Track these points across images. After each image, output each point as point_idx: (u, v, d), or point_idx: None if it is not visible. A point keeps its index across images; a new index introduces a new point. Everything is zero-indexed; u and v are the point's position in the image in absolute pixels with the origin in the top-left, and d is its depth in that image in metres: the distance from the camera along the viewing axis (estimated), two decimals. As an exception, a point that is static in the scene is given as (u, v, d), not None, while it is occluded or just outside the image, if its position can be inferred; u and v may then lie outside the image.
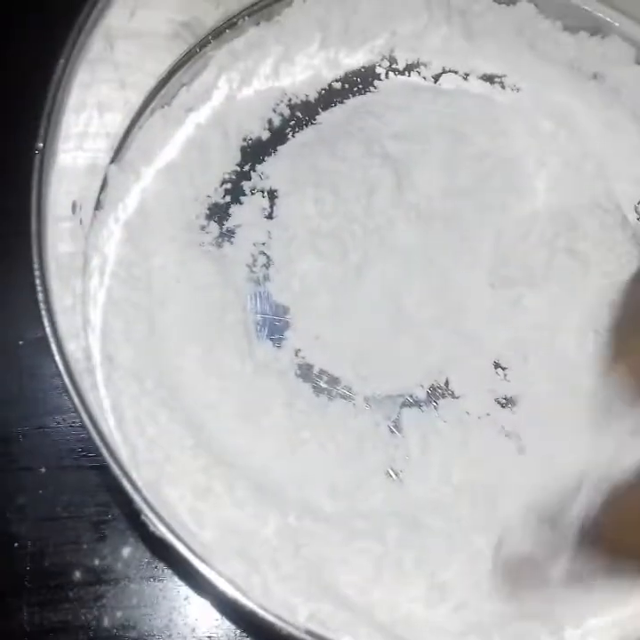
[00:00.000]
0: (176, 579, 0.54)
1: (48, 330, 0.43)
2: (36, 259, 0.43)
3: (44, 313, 0.43)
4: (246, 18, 0.59)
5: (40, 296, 0.43)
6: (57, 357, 0.43)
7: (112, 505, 0.55)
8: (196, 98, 0.58)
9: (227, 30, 0.59)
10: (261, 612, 0.41)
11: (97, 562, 0.55)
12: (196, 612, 0.54)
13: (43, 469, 0.56)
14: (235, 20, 0.59)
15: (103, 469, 0.52)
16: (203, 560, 0.41)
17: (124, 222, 0.55)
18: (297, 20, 0.60)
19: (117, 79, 0.52)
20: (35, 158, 0.42)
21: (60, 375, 0.43)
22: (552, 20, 0.61)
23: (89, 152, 0.52)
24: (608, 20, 0.61)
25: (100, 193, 0.55)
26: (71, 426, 0.57)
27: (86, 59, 0.46)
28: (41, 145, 0.42)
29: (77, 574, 0.55)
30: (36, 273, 0.43)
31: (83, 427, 0.44)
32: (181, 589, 0.54)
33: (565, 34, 0.61)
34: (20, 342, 0.58)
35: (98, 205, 0.54)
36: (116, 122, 0.54)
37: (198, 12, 0.56)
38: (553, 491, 0.47)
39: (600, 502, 0.43)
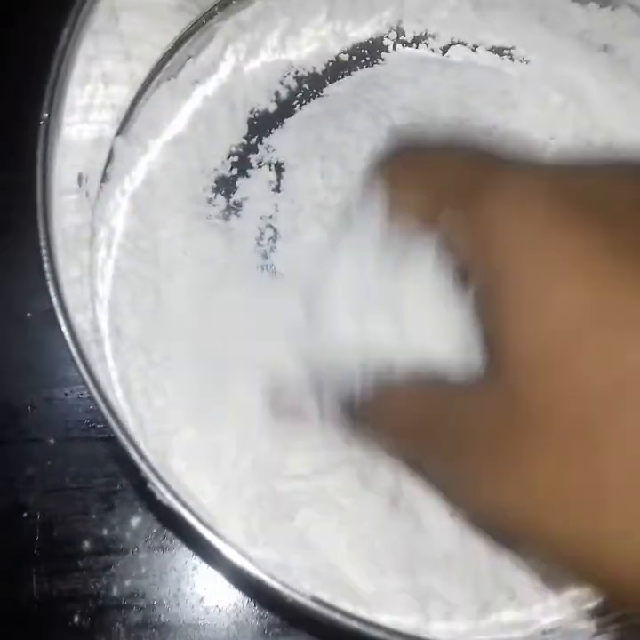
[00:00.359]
0: (184, 548, 0.55)
1: (55, 301, 0.43)
2: (41, 230, 0.43)
3: (50, 284, 0.43)
4: (254, -5, 0.59)
5: (46, 266, 0.43)
6: (64, 328, 0.43)
7: (120, 476, 0.56)
8: (202, 70, 0.58)
9: (233, 1, 0.58)
10: (268, 580, 0.41)
11: (105, 532, 0.56)
12: (205, 582, 0.55)
13: (51, 441, 0.57)
14: (246, -7, 0.59)
15: (111, 440, 0.53)
16: (210, 528, 0.42)
17: (131, 194, 0.55)
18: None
19: (122, 51, 0.51)
20: (39, 129, 0.42)
21: (67, 346, 0.43)
22: (562, -8, 0.60)
23: (94, 124, 0.52)
24: (618, -9, 0.60)
25: (107, 165, 0.54)
26: (79, 397, 0.58)
27: (91, 30, 0.45)
28: (46, 115, 0.42)
29: (86, 544, 0.55)
30: (42, 243, 0.42)
31: (91, 398, 0.44)
32: (190, 559, 0.55)
33: (575, 5, 0.60)
34: (28, 314, 0.59)
35: (104, 178, 0.54)
36: (122, 94, 0.54)
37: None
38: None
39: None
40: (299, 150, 0.57)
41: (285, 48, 0.59)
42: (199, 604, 0.55)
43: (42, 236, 0.43)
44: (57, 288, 0.43)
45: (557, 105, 0.58)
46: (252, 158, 0.57)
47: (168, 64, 0.57)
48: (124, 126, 0.55)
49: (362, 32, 0.60)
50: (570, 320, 0.29)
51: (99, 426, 0.57)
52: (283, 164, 0.57)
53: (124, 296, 0.53)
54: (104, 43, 0.48)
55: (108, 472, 0.56)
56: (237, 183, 0.57)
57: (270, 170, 0.57)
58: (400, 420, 0.37)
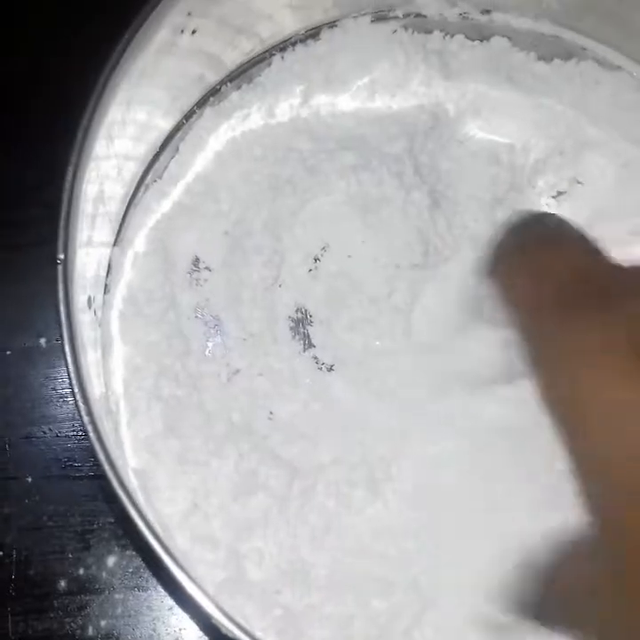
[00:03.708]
0: (160, 589, 0.55)
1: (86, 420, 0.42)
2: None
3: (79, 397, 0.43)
4: (228, 84, 0.59)
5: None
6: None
7: (98, 514, 0.56)
8: (185, 165, 0.58)
9: (210, 98, 0.59)
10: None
11: (82, 571, 0.56)
12: (181, 623, 0.55)
13: (29, 479, 0.57)
14: (217, 87, 0.59)
15: (89, 479, 0.56)
16: (185, 573, 0.41)
17: (126, 298, 0.55)
18: (277, 80, 0.60)
19: (116, 167, 0.52)
20: (57, 269, 0.42)
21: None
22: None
23: (97, 244, 0.52)
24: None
25: (107, 277, 0.55)
26: (58, 436, 0.58)
27: (91, 157, 0.46)
28: (62, 256, 0.42)
29: (62, 583, 0.56)
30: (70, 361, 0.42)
31: (68, 437, 0.52)
32: (166, 599, 0.55)
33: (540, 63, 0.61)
34: (8, 352, 0.59)
35: (106, 289, 0.55)
36: (116, 205, 0.54)
37: (184, 88, 0.57)
38: None
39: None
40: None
41: (264, 136, 0.60)
42: (175, 646, 0.55)
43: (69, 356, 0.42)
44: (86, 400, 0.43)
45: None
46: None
47: (155, 166, 0.57)
48: (118, 236, 0.55)
49: (337, 109, 0.61)
50: None
51: (76, 464, 0.57)
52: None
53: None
54: (102, 165, 0.49)
55: (85, 511, 0.56)
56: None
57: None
58: None
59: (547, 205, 0.59)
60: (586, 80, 0.61)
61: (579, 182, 0.60)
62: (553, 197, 0.60)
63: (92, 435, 0.42)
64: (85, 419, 0.41)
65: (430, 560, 0.52)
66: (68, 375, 0.42)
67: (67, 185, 0.43)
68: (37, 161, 0.59)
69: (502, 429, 0.53)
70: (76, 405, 0.42)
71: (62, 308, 0.42)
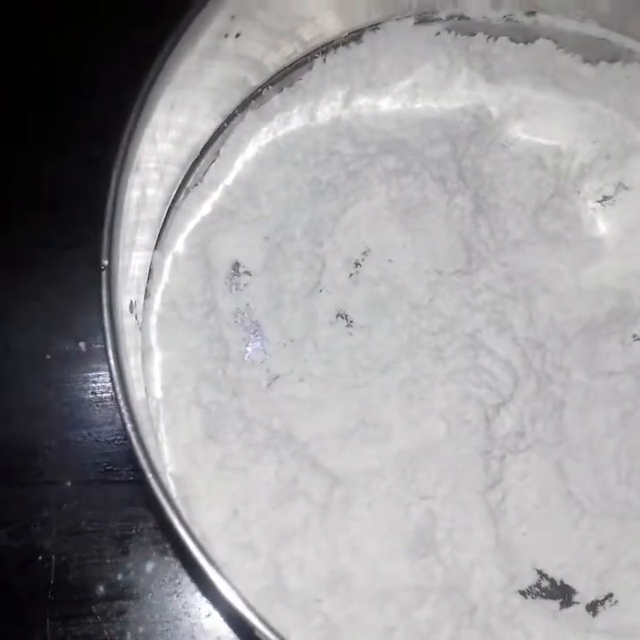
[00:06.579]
0: (198, 595, 0.55)
1: (128, 425, 0.42)
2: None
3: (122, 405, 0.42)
4: (269, 87, 0.59)
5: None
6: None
7: (136, 520, 0.56)
8: (226, 169, 0.58)
9: (251, 101, 0.58)
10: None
11: (120, 576, 0.56)
12: (218, 629, 0.55)
13: (68, 483, 0.57)
14: (259, 90, 0.59)
15: (128, 484, 0.56)
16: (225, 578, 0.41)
17: (169, 303, 0.55)
18: (318, 83, 0.59)
19: (159, 170, 0.51)
20: (102, 275, 0.42)
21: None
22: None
23: (139, 247, 0.52)
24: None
25: (148, 281, 0.54)
26: (97, 440, 0.58)
27: (135, 161, 0.46)
28: (106, 262, 0.42)
29: (100, 589, 0.55)
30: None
31: (108, 441, 0.52)
32: (204, 606, 0.55)
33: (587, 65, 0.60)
34: (48, 356, 0.59)
35: (146, 294, 0.54)
36: (158, 209, 0.54)
37: (226, 92, 0.56)
38: None
39: None
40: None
41: (304, 139, 0.59)
42: (213, 652, 0.55)
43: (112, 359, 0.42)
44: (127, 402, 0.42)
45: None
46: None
47: (196, 170, 0.57)
48: (159, 239, 0.55)
49: (379, 112, 0.60)
50: None
51: (115, 469, 0.57)
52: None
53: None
54: (145, 167, 0.48)
55: (124, 516, 0.56)
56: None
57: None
58: None
59: (592, 210, 0.58)
60: (632, 83, 0.60)
61: (625, 187, 0.59)
62: (599, 202, 0.59)
63: (134, 440, 0.41)
64: (128, 425, 0.41)
65: (470, 568, 0.51)
66: (111, 380, 0.41)
67: (111, 189, 0.43)
68: (78, 161, 0.59)
69: None
70: (119, 410, 0.41)
71: (106, 314, 0.42)
